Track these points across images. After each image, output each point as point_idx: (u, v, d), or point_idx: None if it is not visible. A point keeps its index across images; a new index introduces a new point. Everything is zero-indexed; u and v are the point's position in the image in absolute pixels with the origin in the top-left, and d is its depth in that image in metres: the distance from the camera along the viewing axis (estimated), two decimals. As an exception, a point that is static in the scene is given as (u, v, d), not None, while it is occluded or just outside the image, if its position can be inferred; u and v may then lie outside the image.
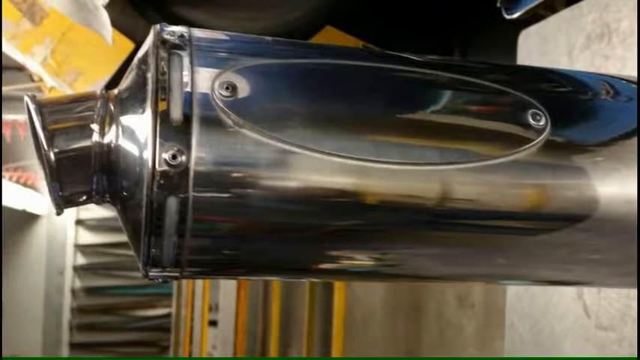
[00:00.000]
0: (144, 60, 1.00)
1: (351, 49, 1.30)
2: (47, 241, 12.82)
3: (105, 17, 2.82)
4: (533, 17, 2.11)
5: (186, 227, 0.95)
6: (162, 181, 0.92)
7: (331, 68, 1.08)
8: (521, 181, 1.06)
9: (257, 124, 0.96)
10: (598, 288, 1.82)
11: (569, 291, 1.91)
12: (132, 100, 0.98)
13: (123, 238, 1.02)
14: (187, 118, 0.94)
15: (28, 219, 12.30)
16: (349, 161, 0.98)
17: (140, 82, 0.98)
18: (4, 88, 7.72)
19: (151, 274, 1.01)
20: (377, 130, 1.03)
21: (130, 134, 0.97)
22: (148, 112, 0.94)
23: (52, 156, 0.97)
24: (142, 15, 3.04)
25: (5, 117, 9.21)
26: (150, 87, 0.96)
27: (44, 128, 0.98)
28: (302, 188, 0.98)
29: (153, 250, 0.97)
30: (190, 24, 1.05)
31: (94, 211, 12.24)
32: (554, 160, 1.07)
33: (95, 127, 0.99)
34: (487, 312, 3.32)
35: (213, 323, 8.08)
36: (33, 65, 3.41)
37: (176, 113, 0.94)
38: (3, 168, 10.48)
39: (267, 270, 1.14)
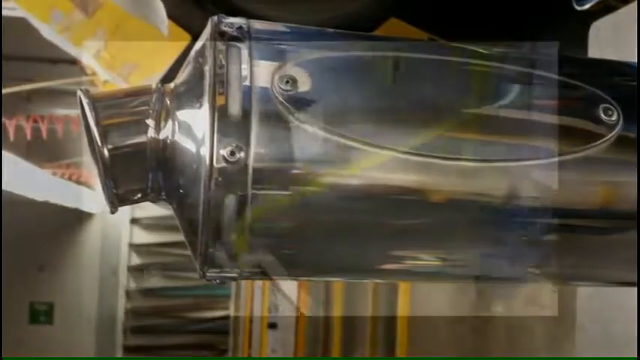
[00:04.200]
0: (201, 53, 0.99)
1: (417, 41, 1.28)
2: (101, 241, 12.91)
3: (160, 8, 2.81)
4: (605, 8, 2.08)
5: (244, 226, 0.93)
6: (220, 179, 0.91)
7: (395, 62, 1.05)
8: (592, 178, 1.04)
9: (318, 119, 0.94)
10: (672, 289, 1.78)
11: (642, 292, 1.88)
12: (189, 95, 0.97)
13: (179, 237, 1.01)
14: (246, 113, 0.92)
15: (81, 217, 12.43)
16: (414, 158, 0.96)
17: (197, 76, 0.97)
18: (56, 82, 7.83)
19: (208, 274, 0.99)
20: (443, 125, 1.01)
21: (186, 130, 0.96)
22: (206, 106, 0.93)
23: (105, 152, 0.96)
24: (198, 6, 3.03)
25: (57, 112, 9.32)
26: (207, 81, 0.94)
27: (98, 124, 0.96)
28: (364, 185, 0.96)
29: (210, 250, 0.95)
30: (249, 15, 1.03)
31: (149, 210, 12.25)
32: (626, 156, 1.05)
33: (150, 122, 0.97)
34: (557, 313, 3.29)
35: (272, 325, 8.08)
36: (86, 58, 3.42)
37: (234, 108, 0.92)
38: (55, 164, 10.62)
39: (328, 270, 1.12)
